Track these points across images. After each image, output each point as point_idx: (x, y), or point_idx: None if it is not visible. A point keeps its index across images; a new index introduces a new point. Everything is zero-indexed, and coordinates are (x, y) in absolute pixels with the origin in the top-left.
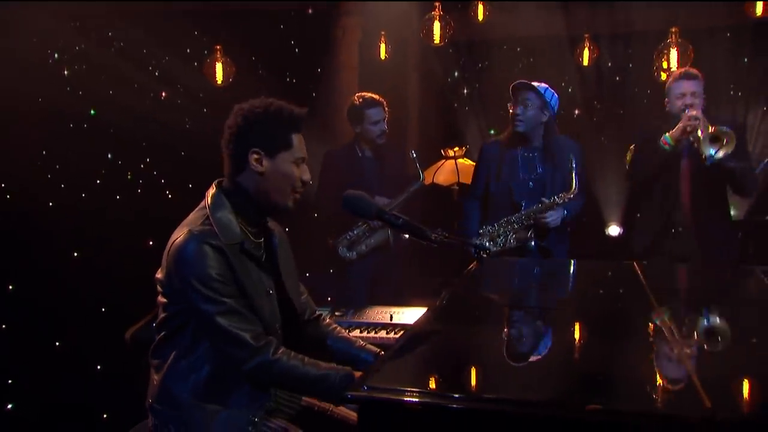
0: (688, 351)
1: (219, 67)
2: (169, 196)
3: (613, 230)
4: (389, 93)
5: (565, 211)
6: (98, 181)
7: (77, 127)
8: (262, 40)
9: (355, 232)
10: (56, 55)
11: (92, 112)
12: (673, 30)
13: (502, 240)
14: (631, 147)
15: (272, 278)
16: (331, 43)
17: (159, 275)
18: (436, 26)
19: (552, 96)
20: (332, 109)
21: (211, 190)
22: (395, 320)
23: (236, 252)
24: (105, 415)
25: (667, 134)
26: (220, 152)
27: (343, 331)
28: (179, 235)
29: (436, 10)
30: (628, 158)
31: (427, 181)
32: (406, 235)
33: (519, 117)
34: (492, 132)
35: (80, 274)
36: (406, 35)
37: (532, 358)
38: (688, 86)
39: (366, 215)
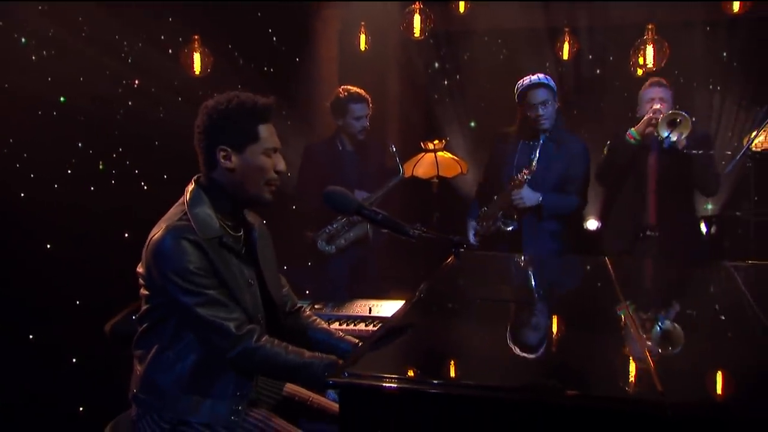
0: (650, 342)
1: (197, 57)
2: (145, 188)
3: (591, 224)
4: (369, 84)
5: (540, 198)
6: (69, 171)
7: (46, 115)
8: (239, 29)
9: (334, 226)
10: (23, 40)
11: (62, 99)
12: (650, 27)
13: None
14: (609, 143)
15: (253, 270)
16: (310, 33)
17: (140, 270)
18: (416, 19)
19: (554, 84)
20: (311, 100)
21: (190, 186)
22: (374, 313)
23: (215, 246)
24: (81, 408)
25: (632, 129)
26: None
27: (323, 322)
28: (157, 231)
29: (417, 3)
30: (605, 152)
31: (407, 173)
32: (385, 230)
33: (544, 116)
34: (472, 124)
35: (53, 266)
36: (386, 26)
37: (507, 349)
38: (657, 92)
39: (346, 210)
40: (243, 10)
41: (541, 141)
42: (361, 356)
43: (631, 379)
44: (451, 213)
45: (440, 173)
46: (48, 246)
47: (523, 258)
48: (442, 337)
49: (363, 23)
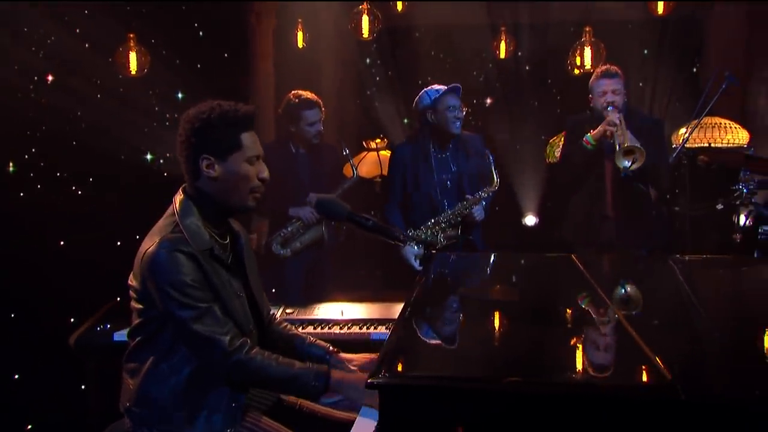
0: (639, 333)
1: (133, 56)
2: (79, 192)
3: (530, 220)
4: (305, 82)
5: (483, 203)
6: None
7: None
8: (167, 24)
9: (288, 229)
10: None
11: None
12: (587, 29)
13: (432, 241)
14: (551, 140)
15: (240, 280)
16: (244, 29)
17: (132, 282)
18: (365, 20)
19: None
20: (249, 98)
21: (179, 197)
22: (346, 316)
23: (207, 258)
24: (29, 426)
25: (589, 135)
26: (116, 141)
27: (294, 329)
28: (151, 243)
29: (365, 3)
30: (548, 151)
31: (350, 173)
32: (338, 224)
33: (461, 120)
34: (406, 121)
35: None
36: (323, 22)
37: (513, 344)
38: (608, 84)
39: (338, 218)
40: (171, 2)
41: (487, 154)
42: (393, 358)
43: (638, 368)
44: None
45: (383, 172)
46: None
47: (499, 256)
48: (451, 337)
49: (300, 20)
